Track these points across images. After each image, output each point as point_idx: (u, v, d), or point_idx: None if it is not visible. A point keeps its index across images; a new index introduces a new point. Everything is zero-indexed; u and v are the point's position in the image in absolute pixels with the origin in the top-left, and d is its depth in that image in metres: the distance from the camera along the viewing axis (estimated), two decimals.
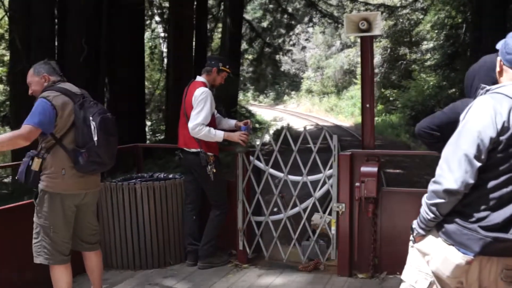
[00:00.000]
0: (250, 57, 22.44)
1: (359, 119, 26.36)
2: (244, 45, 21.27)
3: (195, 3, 14.16)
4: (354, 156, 3.90)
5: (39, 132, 2.91)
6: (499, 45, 2.02)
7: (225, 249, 4.32)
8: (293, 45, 23.03)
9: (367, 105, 4.07)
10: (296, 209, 4.07)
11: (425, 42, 23.62)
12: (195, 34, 14.54)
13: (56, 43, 9.67)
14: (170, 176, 4.35)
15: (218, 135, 3.91)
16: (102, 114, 2.99)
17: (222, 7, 18.18)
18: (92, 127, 2.92)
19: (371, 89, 4.09)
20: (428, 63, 22.51)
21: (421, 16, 21.50)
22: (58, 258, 3.05)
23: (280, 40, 21.94)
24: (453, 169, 1.91)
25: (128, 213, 4.01)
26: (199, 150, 3.93)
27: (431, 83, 20.49)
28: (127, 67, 11.47)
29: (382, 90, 25.06)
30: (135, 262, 4.06)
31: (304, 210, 4.04)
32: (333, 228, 3.91)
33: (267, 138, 9.97)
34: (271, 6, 20.45)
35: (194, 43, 14.48)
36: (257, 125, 19.72)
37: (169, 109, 13.20)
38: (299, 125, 20.74)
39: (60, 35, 9.75)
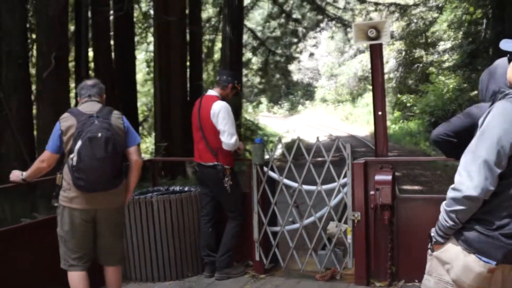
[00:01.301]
0: (255, 67, 22.65)
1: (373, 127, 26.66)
2: (248, 55, 21.53)
3: (187, 11, 14.33)
4: (367, 164, 4.24)
5: (50, 154, 3.50)
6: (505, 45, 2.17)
7: (242, 260, 4.70)
8: (300, 52, 23.09)
9: (379, 113, 4.42)
10: (311, 219, 4.43)
11: (442, 43, 23.85)
12: (189, 44, 14.67)
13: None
14: (186, 189, 4.76)
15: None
16: (93, 133, 3.30)
17: (222, 16, 18.56)
18: (76, 147, 3.31)
19: (383, 96, 4.45)
20: (447, 64, 22.67)
21: (436, 15, 21.65)
22: (69, 265, 3.50)
23: (286, 47, 22.20)
24: (472, 176, 2.01)
25: (145, 226, 4.40)
26: (216, 163, 4.33)
27: (451, 85, 20.73)
28: (116, 82, 11.62)
29: (399, 95, 25.33)
30: (153, 275, 4.44)
31: (320, 219, 4.40)
32: (349, 236, 4.24)
33: (279, 151, 10.31)
34: (275, 10, 20.78)
35: (188, 53, 14.64)
36: (265, 138, 20.09)
37: (157, 123, 13.16)
38: (312, 136, 21.09)
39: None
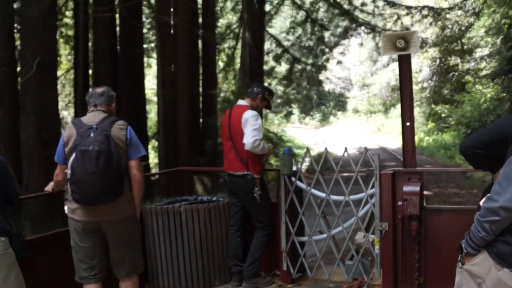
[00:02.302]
0: (280, 75, 22.97)
1: None
2: (272, 63, 21.87)
3: (200, 18, 14.50)
4: (395, 175, 4.55)
5: (59, 165, 3.85)
6: None
7: (269, 270, 5.07)
8: (327, 60, 23.40)
9: (407, 124, 4.74)
10: (339, 229, 4.77)
11: (479, 49, 23.91)
12: (202, 51, 14.89)
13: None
14: (214, 198, 5.17)
15: (264, 146, 4.70)
16: (86, 147, 3.51)
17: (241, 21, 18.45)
18: (70, 160, 3.59)
19: (411, 107, 4.76)
20: (484, 72, 22.66)
21: (472, 19, 21.56)
22: (81, 277, 3.84)
23: (311, 55, 22.46)
24: None
25: (173, 236, 4.79)
26: (245, 173, 4.70)
27: (488, 95, 20.73)
28: (123, 90, 11.63)
29: (433, 106, 25.50)
30: (181, 283, 4.84)
31: (347, 229, 4.73)
32: (377, 247, 4.56)
33: (307, 163, 10.61)
34: (300, 15, 20.97)
35: (201, 60, 14.87)
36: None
37: (160, 134, 12.97)
38: (342, 148, 21.31)
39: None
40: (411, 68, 4.81)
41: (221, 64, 22.14)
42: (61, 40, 16.69)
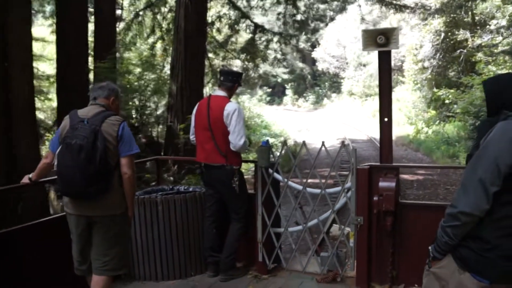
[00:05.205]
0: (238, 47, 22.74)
1: (403, 129, 27.21)
2: (226, 31, 21.84)
3: None
4: (372, 170, 5.95)
5: (51, 153, 4.80)
6: None
7: (245, 260, 6.64)
8: (300, 29, 22.95)
9: (385, 119, 6.11)
10: (314, 221, 6.32)
11: (494, 21, 24.16)
12: (95, 6, 14.52)
13: None
14: (191, 189, 6.68)
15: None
16: (70, 140, 4.37)
17: None
18: (57, 151, 4.53)
19: (389, 102, 6.11)
20: (499, 48, 22.91)
21: None
22: (75, 268, 4.89)
23: (280, 23, 22.39)
24: (468, 192, 2.72)
25: (149, 226, 6.25)
26: (224, 164, 6.05)
27: None
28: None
29: (435, 90, 26.01)
30: (157, 273, 6.33)
31: (323, 222, 6.28)
32: (352, 240, 6.02)
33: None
34: None
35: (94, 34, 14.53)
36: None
37: None
38: (326, 139, 22.39)
39: None
40: (390, 64, 6.17)
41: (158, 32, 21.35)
42: None
